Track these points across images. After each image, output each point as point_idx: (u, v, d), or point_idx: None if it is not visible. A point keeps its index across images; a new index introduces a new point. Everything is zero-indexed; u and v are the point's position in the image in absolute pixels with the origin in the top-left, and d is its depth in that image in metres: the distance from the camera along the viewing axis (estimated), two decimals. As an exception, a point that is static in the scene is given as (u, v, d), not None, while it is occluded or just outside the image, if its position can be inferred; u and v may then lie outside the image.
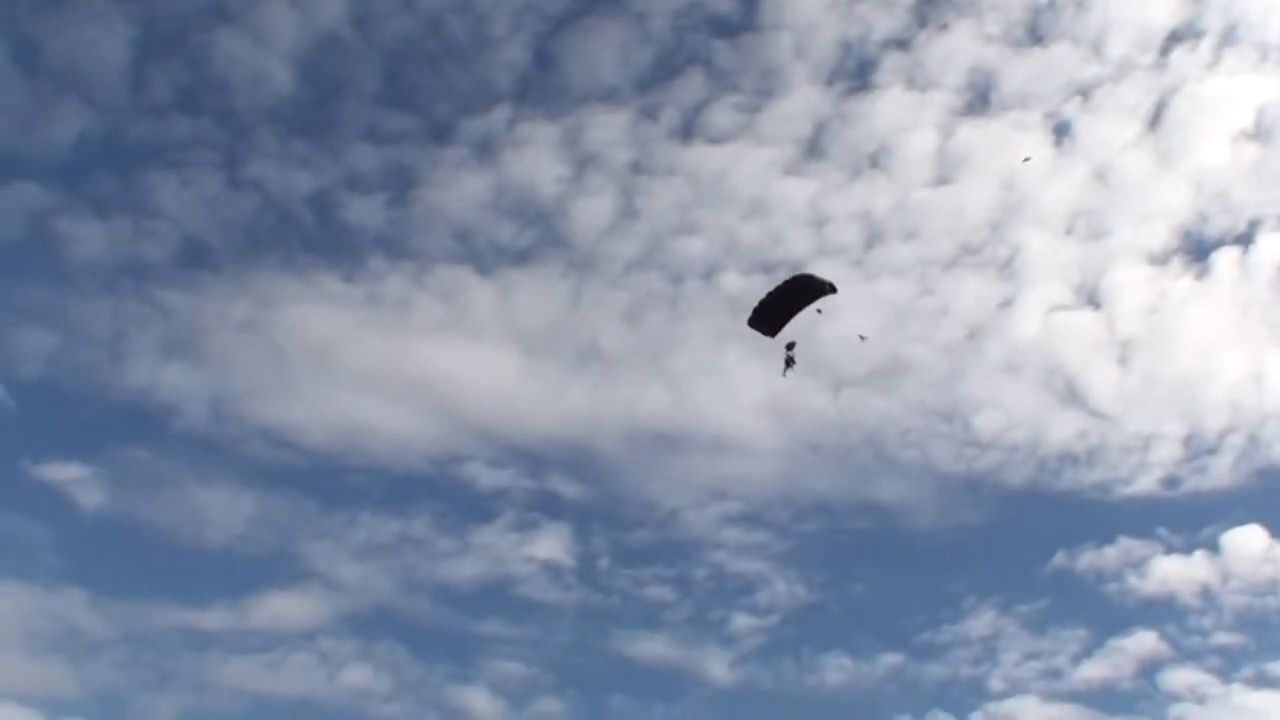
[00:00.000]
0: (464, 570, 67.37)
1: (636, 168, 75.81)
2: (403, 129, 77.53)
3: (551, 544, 67.84)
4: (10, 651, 59.25)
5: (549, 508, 69.31)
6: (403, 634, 64.95)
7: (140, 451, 68.73)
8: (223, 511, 67.28)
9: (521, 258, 75.39)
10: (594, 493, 70.25)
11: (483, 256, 74.81)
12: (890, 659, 65.05)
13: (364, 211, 75.10)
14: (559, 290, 74.53)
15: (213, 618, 63.04)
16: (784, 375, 32.44)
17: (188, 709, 60.06)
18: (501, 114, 76.41)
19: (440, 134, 78.34)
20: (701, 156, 75.42)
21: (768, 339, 32.27)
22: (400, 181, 75.95)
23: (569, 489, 70.02)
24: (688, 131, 75.87)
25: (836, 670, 64.93)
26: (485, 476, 69.63)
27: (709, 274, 74.08)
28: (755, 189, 74.48)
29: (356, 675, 62.84)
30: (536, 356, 73.44)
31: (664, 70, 77.07)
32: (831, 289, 30.31)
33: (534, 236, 74.96)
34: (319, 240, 75.77)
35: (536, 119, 76.20)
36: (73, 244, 71.61)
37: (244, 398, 69.70)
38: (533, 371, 72.47)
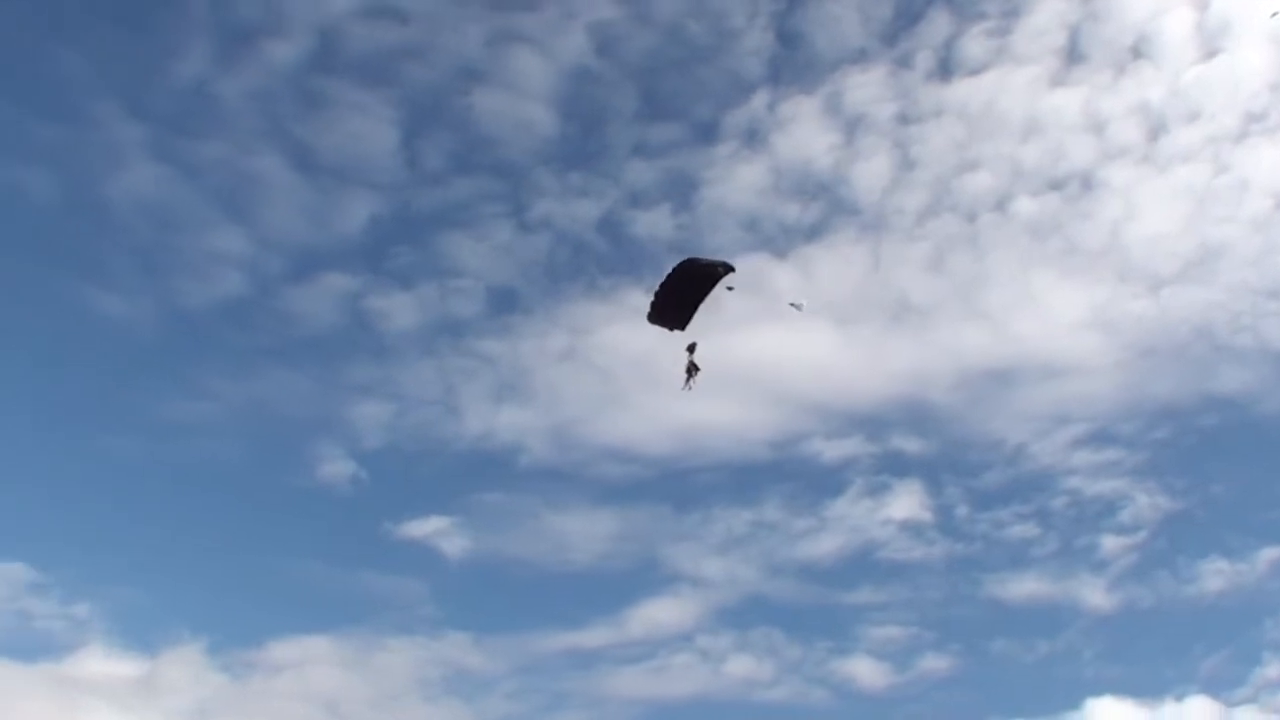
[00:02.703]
0: (824, 545, 68.06)
1: (903, 118, 75.92)
2: (670, 138, 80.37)
3: (906, 502, 68.04)
4: (408, 700, 63.16)
5: (896, 467, 69.62)
6: (777, 618, 65.99)
7: (493, 494, 72.60)
8: (582, 534, 70.10)
9: (813, 232, 76.31)
10: (937, 444, 70.80)
11: (775, 240, 75.87)
12: (1269, 553, 62.47)
13: (652, 224, 77.90)
14: (857, 255, 75.09)
15: (593, 635, 65.39)
16: (685, 387, 29.39)
17: (584, 726, 62.64)
18: (761, 99, 77.63)
19: (707, 133, 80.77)
20: (965, 91, 75.41)
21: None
22: (679, 187, 78.56)
23: (911, 445, 70.88)
24: (945, 70, 75.57)
25: (1215, 575, 63.10)
26: (827, 450, 70.39)
27: (1000, 204, 73.34)
28: (1025, 109, 73.92)
29: (739, 666, 64.17)
30: (850, 324, 74.06)
31: (907, 17, 76.92)
32: (725, 269, 27.33)
33: (820, 209, 75.73)
34: (616, 261, 78.60)
35: (795, 96, 77.60)
36: (387, 318, 76.88)
37: (580, 423, 72.91)
38: (850, 339, 73.32)
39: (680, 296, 27.76)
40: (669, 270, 27.50)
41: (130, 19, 79.70)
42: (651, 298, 28.31)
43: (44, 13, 77.95)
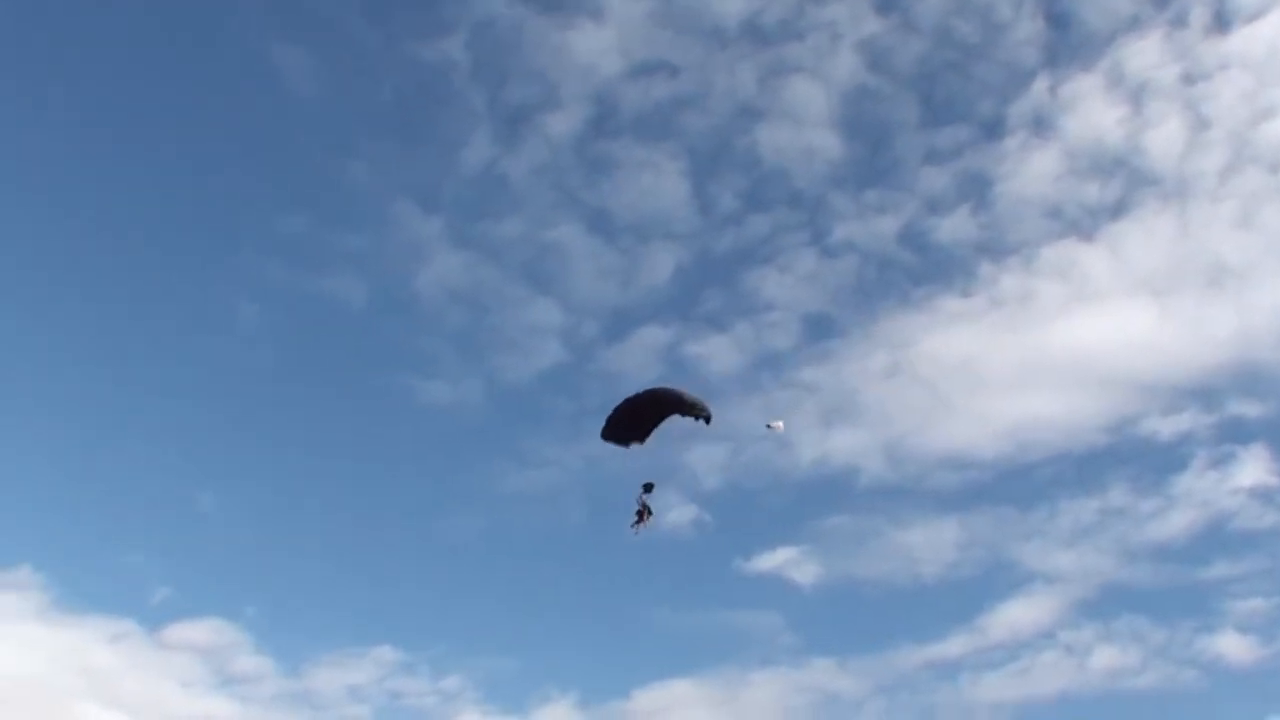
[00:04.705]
0: (1175, 523, 67.47)
1: (1188, 78, 74.48)
2: (957, 139, 79.25)
3: (1252, 469, 67.28)
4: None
5: (1237, 435, 68.86)
6: (1136, 604, 65.88)
7: (837, 518, 72.84)
8: (929, 545, 69.96)
9: (1117, 209, 75.35)
10: (1275, 405, 69.37)
11: (1080, 223, 75.01)
12: None
13: (954, 228, 77.06)
14: (1164, 225, 74.23)
15: (954, 645, 65.39)
16: (633, 529, 27.08)
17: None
18: (1041, 85, 77.19)
19: (993, 129, 79.59)
20: (1247, 39, 73.59)
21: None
22: (975, 187, 77.62)
23: (1250, 410, 69.25)
24: (1222, 21, 74.32)
25: None
26: (1164, 427, 69.44)
27: (1298, 150, 71.73)
28: (1304, 48, 71.94)
29: (1105, 657, 64.11)
30: (1167, 295, 73.27)
31: (1165, -24, 74.40)
32: (703, 416, 25.18)
33: (1120, 184, 74.76)
34: (924, 270, 77.77)
35: (1075, 75, 76.77)
36: (706, 361, 76.56)
37: (911, 436, 73.05)
38: (1169, 311, 72.59)
39: (644, 417, 25.73)
40: (640, 393, 25.32)
41: (411, 120, 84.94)
42: (611, 414, 26.11)
43: (331, 131, 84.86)
